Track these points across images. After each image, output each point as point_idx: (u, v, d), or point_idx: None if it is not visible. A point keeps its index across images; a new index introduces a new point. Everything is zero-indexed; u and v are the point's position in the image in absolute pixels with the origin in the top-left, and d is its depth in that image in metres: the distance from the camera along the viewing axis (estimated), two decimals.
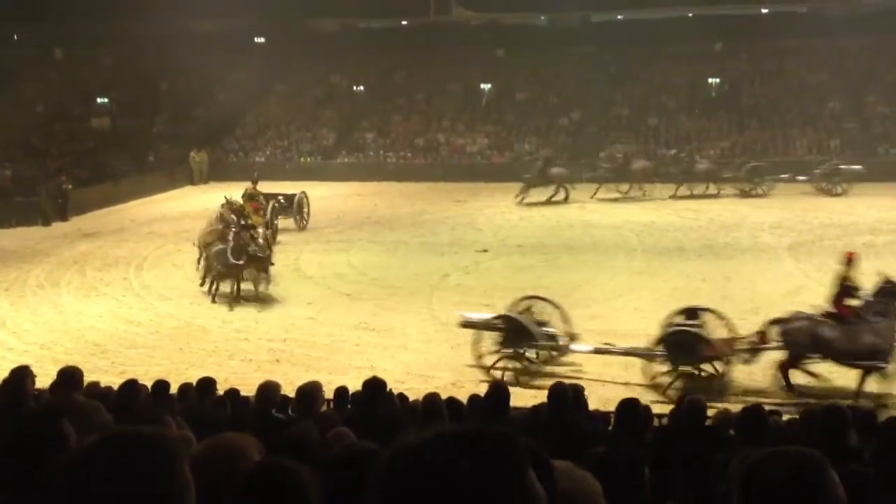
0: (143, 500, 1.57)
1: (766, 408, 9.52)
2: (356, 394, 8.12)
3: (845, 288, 12.93)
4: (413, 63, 44.92)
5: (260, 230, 19.84)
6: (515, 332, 13.72)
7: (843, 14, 41.50)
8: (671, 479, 5.22)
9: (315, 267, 21.63)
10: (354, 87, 44.30)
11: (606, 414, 8.56)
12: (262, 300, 18.46)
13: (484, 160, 38.41)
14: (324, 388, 7.73)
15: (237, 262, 18.23)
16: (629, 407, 6.28)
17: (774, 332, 12.79)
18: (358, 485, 2.96)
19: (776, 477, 1.81)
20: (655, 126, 38.81)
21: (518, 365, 13.78)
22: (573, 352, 13.95)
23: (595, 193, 30.61)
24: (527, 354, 13.85)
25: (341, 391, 8.65)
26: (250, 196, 23.73)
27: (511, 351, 13.72)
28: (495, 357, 13.78)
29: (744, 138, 37.13)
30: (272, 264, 18.89)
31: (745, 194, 30.32)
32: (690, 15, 43.14)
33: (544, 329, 14.00)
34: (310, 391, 7.11)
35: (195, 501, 1.69)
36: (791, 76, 40.81)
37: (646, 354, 13.14)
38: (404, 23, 46.73)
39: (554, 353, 13.99)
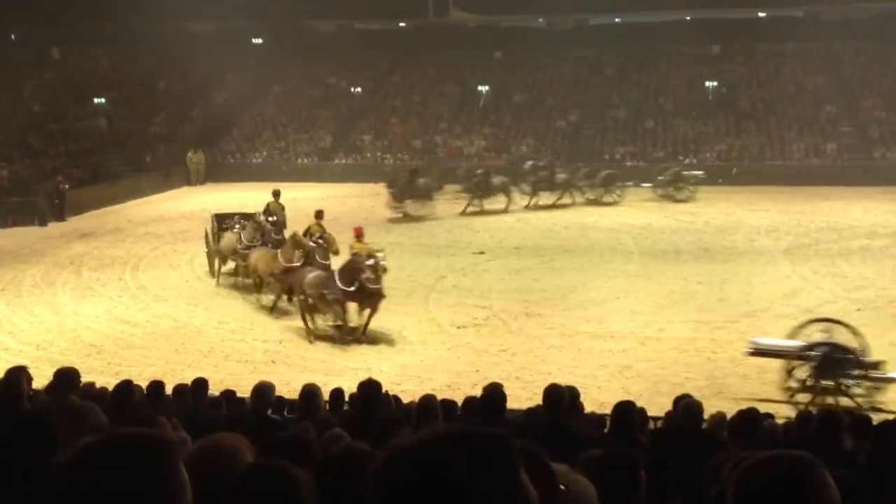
0: (138, 502, 1.57)
1: (762, 411, 9.55)
2: (352, 395, 8.12)
3: None
4: (410, 64, 44.95)
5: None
6: (834, 360, 11.89)
7: (840, 18, 41.60)
8: (666, 482, 5.23)
9: None
10: (352, 89, 44.29)
11: (602, 417, 8.56)
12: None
13: (481, 162, 38.38)
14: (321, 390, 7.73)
15: (347, 289, 15.46)
16: (625, 410, 6.29)
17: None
18: (353, 486, 2.98)
19: (771, 480, 1.82)
20: (653, 129, 38.86)
21: (843, 400, 11.75)
22: (892, 381, 12.06)
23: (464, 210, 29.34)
24: (851, 389, 11.90)
25: (337, 393, 8.65)
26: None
27: (832, 384, 11.91)
28: (808, 392, 11.99)
29: (741, 141, 37.20)
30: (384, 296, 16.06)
31: (596, 202, 30.07)
32: (688, 18, 43.22)
33: (861, 357, 12.06)
34: (312, 392, 7.10)
35: (191, 502, 1.70)
36: (788, 80, 40.91)
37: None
38: (402, 24, 46.73)
39: (879, 384, 11.97)
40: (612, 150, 38.03)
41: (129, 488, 1.56)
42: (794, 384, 12.01)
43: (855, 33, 41.07)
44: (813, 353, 11.93)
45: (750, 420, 6.28)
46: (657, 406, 11.33)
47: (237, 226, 19.59)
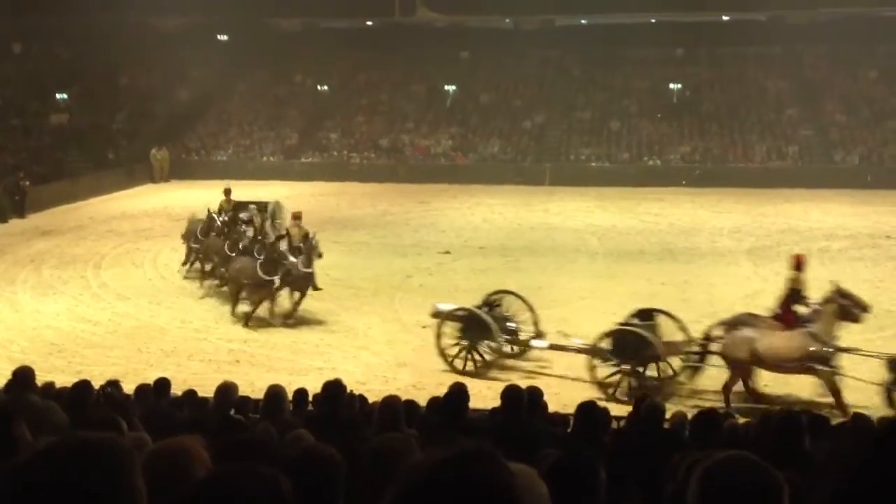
0: None
1: (722, 411, 9.67)
2: (316, 395, 8.09)
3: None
4: (377, 63, 44.85)
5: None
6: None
7: (803, 22, 42.18)
8: (627, 481, 5.27)
9: None
10: (318, 87, 44.12)
11: (566, 416, 8.61)
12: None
13: (448, 161, 38.47)
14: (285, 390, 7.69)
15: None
16: (587, 409, 6.33)
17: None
18: (314, 487, 2.97)
19: (731, 480, 1.85)
20: (618, 130, 39.15)
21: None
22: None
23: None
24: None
25: (301, 393, 8.62)
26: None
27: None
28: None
29: (704, 143, 37.60)
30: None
31: None
32: (653, 21, 43.55)
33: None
34: (276, 393, 7.07)
35: None
36: (750, 83, 41.42)
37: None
38: (369, 23, 46.61)
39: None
40: (578, 151, 38.27)
41: (85, 493, 1.55)
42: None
43: (817, 37, 41.67)
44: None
45: (710, 420, 6.36)
46: (620, 406, 11.44)
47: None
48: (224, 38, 46.41)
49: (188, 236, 20.58)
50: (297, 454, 3.18)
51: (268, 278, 16.38)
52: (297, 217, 18.28)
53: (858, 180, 33.37)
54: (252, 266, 16.60)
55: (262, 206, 19.96)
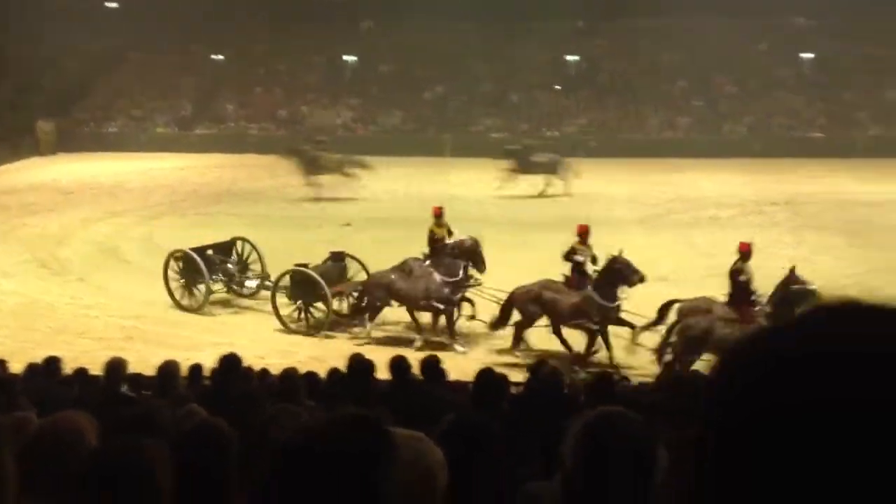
0: None
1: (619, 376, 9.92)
2: (213, 371, 7.95)
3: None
4: (275, 33, 43.90)
5: None
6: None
7: None
8: (526, 446, 5.37)
9: (171, 241, 20.91)
10: (213, 57, 42.97)
11: (466, 384, 8.70)
12: None
13: (349, 133, 38.11)
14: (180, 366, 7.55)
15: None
16: (485, 376, 6.41)
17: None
18: (207, 462, 2.92)
19: (604, 435, 1.90)
20: (517, 102, 39.50)
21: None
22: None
23: None
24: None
25: (196, 368, 8.45)
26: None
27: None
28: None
29: (601, 115, 38.32)
30: None
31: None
32: None
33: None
34: (168, 368, 6.92)
35: (17, 487, 1.62)
36: (645, 55, 42.31)
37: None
38: None
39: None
40: (478, 123, 38.47)
41: None
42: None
43: (709, 10, 42.72)
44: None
45: (604, 383, 6.53)
46: (518, 372, 11.62)
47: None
48: (114, 4, 44.58)
49: None
50: (187, 429, 3.12)
51: None
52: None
53: (747, 149, 34.57)
54: None
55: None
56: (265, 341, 14.24)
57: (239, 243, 16.77)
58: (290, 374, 5.79)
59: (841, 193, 26.65)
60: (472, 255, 14.23)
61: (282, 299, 14.84)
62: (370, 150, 35.06)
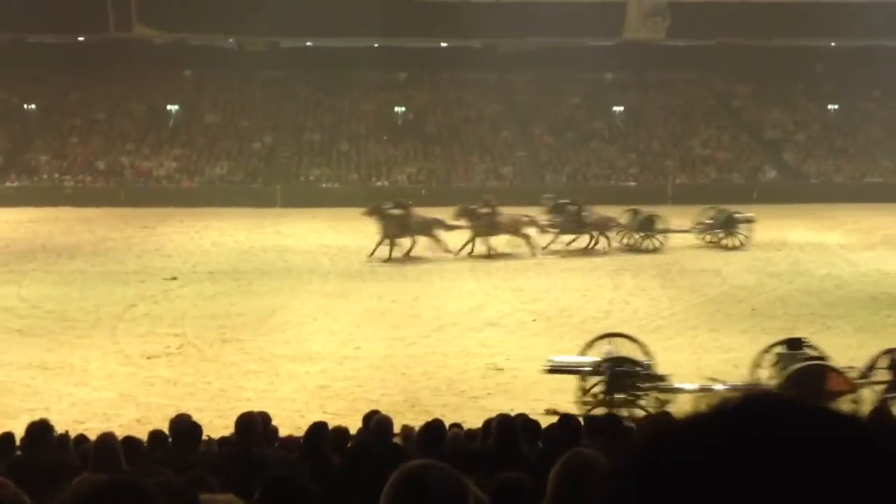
0: None
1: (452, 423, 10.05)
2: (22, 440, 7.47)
3: None
4: (92, 81, 42.32)
5: None
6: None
7: (514, 51, 45.19)
8: (355, 498, 5.38)
9: None
10: (25, 106, 40.87)
11: (299, 440, 8.59)
12: None
13: (173, 184, 37.06)
14: None
15: None
16: (315, 431, 6.38)
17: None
18: None
19: (416, 486, 1.97)
20: (347, 151, 39.73)
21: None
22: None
23: None
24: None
25: (7, 438, 7.90)
26: None
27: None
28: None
29: (429, 164, 39.11)
30: None
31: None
32: (376, 45, 44.74)
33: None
34: None
35: None
36: (469, 106, 43.72)
37: None
38: (81, 39, 43.91)
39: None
40: (308, 172, 38.37)
41: None
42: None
43: (525, 64, 44.78)
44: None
45: (433, 430, 6.62)
46: (353, 423, 11.57)
47: None
48: None
49: None
50: None
51: None
52: None
53: (567, 197, 36.04)
54: None
55: None
56: (85, 404, 13.50)
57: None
58: (105, 439, 5.53)
59: None
60: None
61: None
62: (196, 202, 34.35)
